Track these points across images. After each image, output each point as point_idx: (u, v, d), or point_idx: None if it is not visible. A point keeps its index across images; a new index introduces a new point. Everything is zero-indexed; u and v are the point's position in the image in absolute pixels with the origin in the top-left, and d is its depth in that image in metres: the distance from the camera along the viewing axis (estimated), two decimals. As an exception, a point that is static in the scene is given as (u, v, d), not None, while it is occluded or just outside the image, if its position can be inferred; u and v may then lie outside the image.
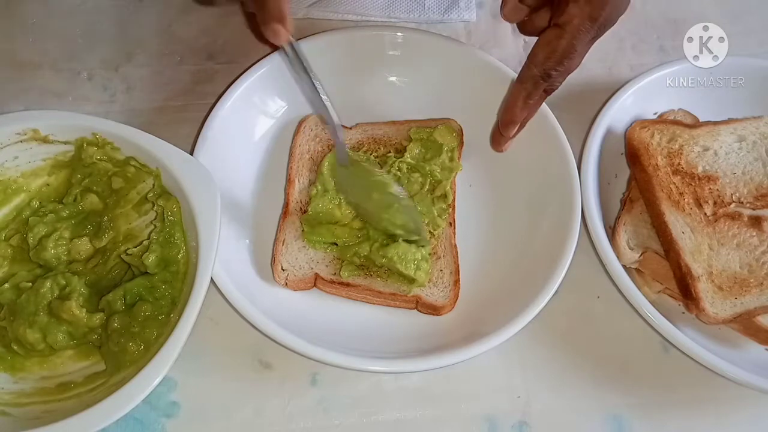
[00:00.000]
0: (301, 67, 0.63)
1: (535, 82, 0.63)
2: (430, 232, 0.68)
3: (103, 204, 0.65)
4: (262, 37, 0.75)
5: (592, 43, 0.62)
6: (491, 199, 0.73)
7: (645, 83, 0.76)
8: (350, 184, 0.68)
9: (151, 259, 0.60)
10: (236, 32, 0.83)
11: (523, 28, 0.67)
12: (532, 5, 0.65)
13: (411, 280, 0.64)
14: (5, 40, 0.80)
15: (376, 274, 0.66)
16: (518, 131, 0.68)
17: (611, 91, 0.76)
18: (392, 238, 0.65)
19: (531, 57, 0.63)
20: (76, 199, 0.65)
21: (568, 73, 0.63)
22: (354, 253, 0.66)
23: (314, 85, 0.64)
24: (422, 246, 0.65)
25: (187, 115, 0.76)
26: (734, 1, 0.92)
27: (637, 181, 0.72)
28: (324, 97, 0.65)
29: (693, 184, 0.70)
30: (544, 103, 0.71)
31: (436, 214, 0.69)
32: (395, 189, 0.65)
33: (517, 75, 0.67)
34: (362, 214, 0.67)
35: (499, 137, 0.70)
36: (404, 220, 0.65)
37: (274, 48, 0.73)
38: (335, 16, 0.84)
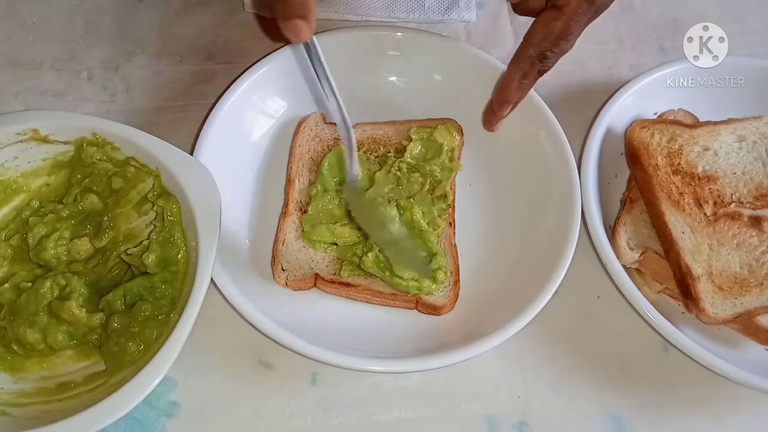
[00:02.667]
0: (321, 70, 0.59)
1: (532, 62, 0.64)
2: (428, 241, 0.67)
3: (103, 204, 0.65)
4: (275, 36, 0.71)
5: (587, 26, 0.63)
6: (491, 199, 0.73)
7: (645, 83, 0.76)
8: (356, 206, 0.67)
9: (150, 259, 0.60)
10: (236, 32, 0.83)
11: (518, 8, 0.67)
12: None
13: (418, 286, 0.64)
14: (5, 40, 0.80)
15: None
16: (510, 111, 0.69)
17: (611, 91, 0.76)
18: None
19: (528, 38, 0.64)
20: (76, 199, 0.65)
21: (562, 55, 0.64)
22: (354, 253, 0.66)
23: (333, 91, 0.60)
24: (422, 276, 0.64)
25: (187, 115, 0.76)
26: (734, 1, 0.92)
27: (637, 181, 0.72)
28: (343, 108, 0.61)
29: (693, 184, 0.70)
30: (544, 103, 0.72)
31: (436, 214, 0.69)
32: (396, 229, 0.64)
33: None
34: (366, 233, 0.67)
35: (492, 117, 0.71)
36: (406, 261, 0.64)
37: (286, 43, 0.70)
38: (335, 16, 0.83)
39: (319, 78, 0.59)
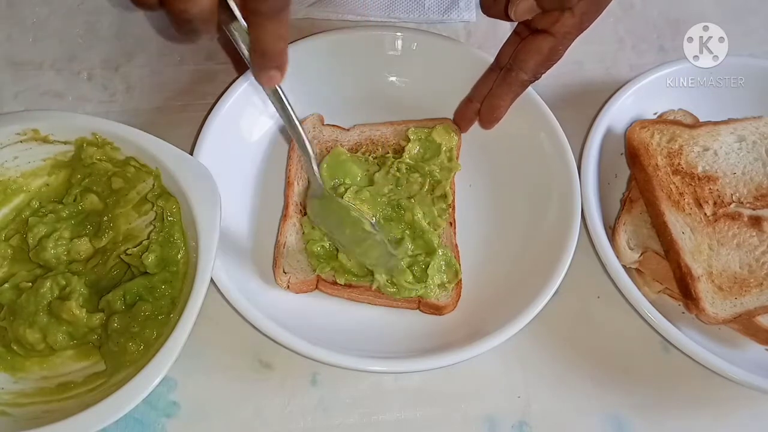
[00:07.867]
0: (281, 105, 0.61)
1: (525, 85, 0.68)
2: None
3: (103, 204, 0.65)
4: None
5: None
6: (491, 199, 0.73)
7: (645, 83, 0.76)
8: (323, 216, 0.67)
9: (150, 259, 0.60)
10: (236, 32, 0.83)
11: (488, 10, 0.67)
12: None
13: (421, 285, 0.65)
14: (5, 40, 0.80)
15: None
16: None
17: (611, 91, 0.76)
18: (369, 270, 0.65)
19: (521, 64, 0.66)
20: (76, 199, 0.65)
21: None
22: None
23: (293, 119, 0.62)
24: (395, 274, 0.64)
25: (187, 115, 0.76)
26: (734, 1, 0.92)
27: (637, 181, 0.72)
28: (302, 131, 0.63)
29: (693, 184, 0.70)
30: (544, 103, 0.72)
31: (436, 214, 0.69)
32: (369, 226, 0.64)
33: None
34: (335, 243, 0.66)
35: (467, 123, 0.74)
36: (377, 255, 0.64)
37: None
38: (335, 16, 0.83)
39: (281, 113, 0.62)
